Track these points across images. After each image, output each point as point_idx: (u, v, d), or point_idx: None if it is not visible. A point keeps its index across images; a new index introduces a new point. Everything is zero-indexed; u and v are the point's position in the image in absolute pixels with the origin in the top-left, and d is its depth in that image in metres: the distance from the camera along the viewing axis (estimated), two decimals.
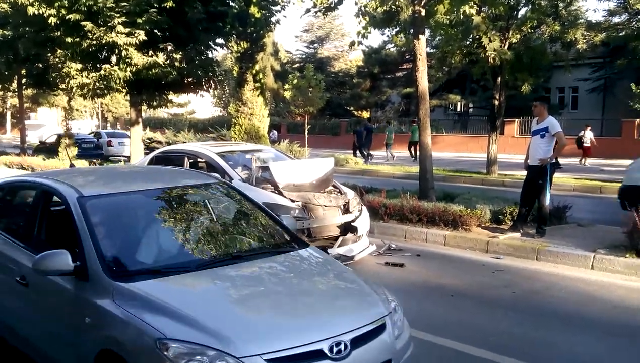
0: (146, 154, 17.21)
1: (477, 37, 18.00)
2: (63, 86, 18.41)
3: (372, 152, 28.50)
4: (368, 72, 46.92)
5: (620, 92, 31.92)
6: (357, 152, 28.31)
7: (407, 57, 42.93)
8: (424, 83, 11.18)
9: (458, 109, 43.72)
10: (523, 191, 8.95)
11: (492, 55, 16.01)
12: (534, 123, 8.88)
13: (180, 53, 16.35)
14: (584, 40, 21.57)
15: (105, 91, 17.05)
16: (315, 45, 56.24)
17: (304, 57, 55.32)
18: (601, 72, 34.12)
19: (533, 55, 18.88)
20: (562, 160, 16.10)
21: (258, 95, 14.92)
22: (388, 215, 10.00)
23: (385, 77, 46.45)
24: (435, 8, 10.99)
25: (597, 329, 5.55)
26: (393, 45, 38.97)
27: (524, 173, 9.26)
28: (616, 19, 25.69)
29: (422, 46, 11.17)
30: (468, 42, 18.98)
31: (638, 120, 26.99)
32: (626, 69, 30.08)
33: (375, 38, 43.88)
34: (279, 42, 54.62)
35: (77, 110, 50.46)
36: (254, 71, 14.87)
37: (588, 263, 7.53)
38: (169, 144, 24.83)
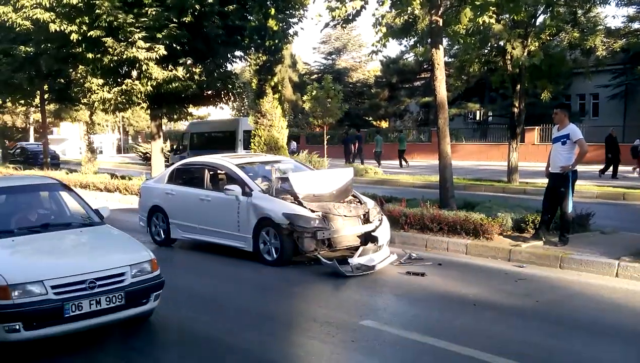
0: (167, 166, 17.38)
1: (496, 45, 17.97)
2: (85, 101, 18.72)
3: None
4: (386, 82, 46.91)
5: None
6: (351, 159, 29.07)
7: (425, 67, 42.86)
8: (442, 92, 11.17)
9: (477, 118, 43.52)
10: (545, 199, 8.88)
11: (522, 59, 15.92)
12: (555, 130, 8.82)
13: (200, 66, 16.56)
14: (604, 47, 21.41)
15: (127, 105, 17.32)
16: (333, 56, 56.40)
17: (322, 68, 55.48)
18: (621, 78, 33.79)
19: (552, 62, 18.76)
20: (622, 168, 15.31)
21: (277, 107, 14.98)
22: (408, 224, 9.97)
23: (403, 87, 46.40)
24: (457, 18, 10.97)
25: (622, 338, 5.47)
26: (411, 54, 39.03)
27: (546, 181, 9.20)
28: (636, 25, 25.41)
29: (439, 55, 11.16)
30: (486, 51, 18.96)
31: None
32: None
33: (393, 48, 44.14)
34: (297, 54, 54.89)
35: (99, 124, 51.09)
36: (273, 83, 14.94)
37: (613, 271, 7.43)
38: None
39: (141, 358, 5.28)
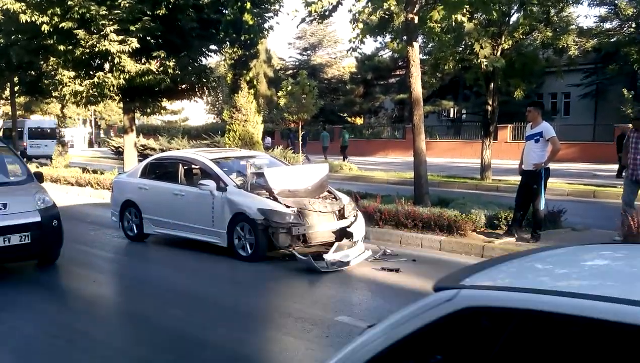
0: (140, 161, 17.19)
1: (470, 43, 18.10)
2: (56, 94, 18.41)
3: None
4: (361, 78, 47.01)
5: (612, 97, 32.12)
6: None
7: (400, 63, 43.05)
8: (417, 89, 11.21)
9: (451, 115, 43.87)
10: (518, 196, 8.97)
11: (485, 63, 16.07)
12: (528, 128, 8.91)
13: (174, 60, 16.36)
14: (576, 47, 21.72)
15: (99, 98, 17.05)
16: (309, 52, 56.31)
17: (297, 63, 55.35)
18: (593, 77, 34.35)
19: (525, 61, 18.97)
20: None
21: (252, 102, 14.92)
22: (383, 220, 10.00)
23: (378, 84, 46.54)
24: (429, 15, 11.03)
25: None
26: (388, 51, 39.15)
27: (518, 178, 9.29)
28: (607, 25, 25.85)
29: (415, 52, 11.20)
30: (461, 49, 19.08)
31: (630, 125, 27.07)
32: (617, 75, 30.31)
33: (369, 45, 44.42)
34: (272, 49, 54.73)
35: (70, 117, 50.29)
36: (248, 78, 14.87)
37: None
38: (162, 150, 24.81)
39: (110, 352, 5.20)
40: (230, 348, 5.24)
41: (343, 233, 8.65)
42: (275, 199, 8.53)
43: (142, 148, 26.56)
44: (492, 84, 18.56)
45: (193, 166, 9.91)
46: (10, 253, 7.45)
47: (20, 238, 7.38)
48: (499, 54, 17.47)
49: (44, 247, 7.84)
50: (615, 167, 20.39)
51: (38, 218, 7.58)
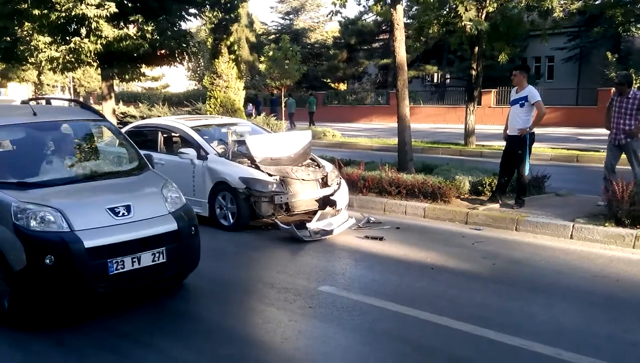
0: (119, 128, 16.87)
1: (454, 6, 17.81)
2: (32, 60, 17.90)
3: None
4: (344, 43, 46.45)
5: (596, 61, 32.07)
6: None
7: (383, 28, 42.58)
8: (401, 53, 11.02)
9: (435, 80, 43.63)
10: (502, 161, 8.90)
11: (469, 26, 15.83)
12: (513, 92, 8.80)
13: (152, 24, 15.93)
14: (561, 9, 21.50)
15: (76, 65, 16.64)
16: (291, 16, 55.55)
17: (279, 28, 54.62)
18: (577, 41, 34.19)
19: (510, 24, 18.73)
20: None
21: (233, 68, 14.63)
22: (367, 188, 9.90)
23: (362, 49, 46.04)
24: None
25: (577, 299, 5.53)
26: (371, 15, 38.67)
27: (502, 143, 9.22)
28: None
29: (399, 15, 10.96)
30: (445, 12, 18.79)
31: (614, 88, 27.08)
32: (601, 38, 30.19)
33: (352, 9, 43.57)
34: (254, 14, 54.00)
35: (47, 84, 49.31)
36: (229, 42, 14.55)
37: (567, 233, 7.52)
38: (143, 118, 24.42)
39: (96, 325, 5.08)
40: (214, 320, 5.16)
41: (326, 202, 8.56)
42: (257, 167, 8.39)
43: (122, 115, 26.07)
44: (477, 48, 18.36)
45: (173, 134, 9.69)
46: (138, 278, 5.22)
47: (153, 257, 5.22)
48: (483, 17, 17.23)
49: (181, 266, 5.61)
50: (598, 131, 20.38)
51: (174, 226, 5.42)
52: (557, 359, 4.24)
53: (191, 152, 8.76)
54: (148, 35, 15.79)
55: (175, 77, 56.12)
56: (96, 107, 27.98)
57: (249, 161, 8.53)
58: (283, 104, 25.86)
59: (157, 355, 4.49)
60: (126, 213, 5.22)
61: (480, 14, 17.11)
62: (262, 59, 26.24)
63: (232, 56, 14.66)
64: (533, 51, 35.50)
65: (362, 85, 46.80)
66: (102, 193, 5.59)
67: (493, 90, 30.62)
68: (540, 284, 5.91)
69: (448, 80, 42.25)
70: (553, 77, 36.91)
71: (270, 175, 8.31)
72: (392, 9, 11.02)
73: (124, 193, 5.61)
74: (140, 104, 32.92)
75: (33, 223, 4.85)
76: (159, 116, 22.81)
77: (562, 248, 7.14)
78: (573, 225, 7.53)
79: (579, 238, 7.40)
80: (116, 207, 5.21)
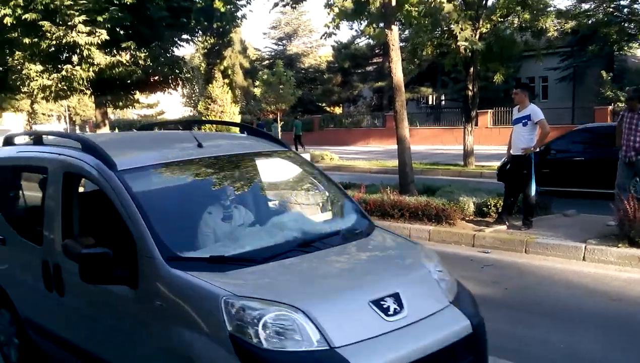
0: None
1: (447, 28, 17.73)
2: (24, 89, 17.68)
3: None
4: (338, 67, 46.52)
5: (590, 80, 32.10)
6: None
7: (377, 51, 42.71)
8: (398, 74, 10.84)
9: (430, 102, 43.65)
10: (507, 182, 8.64)
11: (463, 45, 15.73)
12: (515, 111, 8.57)
13: (145, 51, 15.75)
14: (555, 28, 21.49)
15: (68, 93, 16.43)
16: (284, 41, 55.70)
17: (273, 53, 54.76)
18: (570, 60, 34.25)
19: (503, 44, 18.70)
20: None
21: (227, 92, 14.43)
22: (369, 211, 9.59)
23: (356, 72, 46.11)
24: None
25: (595, 324, 5.23)
26: (364, 38, 38.75)
27: None
28: (585, 5, 25.66)
29: (394, 36, 10.81)
30: (438, 34, 18.72)
31: (610, 107, 27.07)
32: (595, 57, 30.23)
33: (345, 33, 43.76)
34: (247, 40, 54.10)
35: (43, 114, 49.14)
36: (222, 67, 14.43)
37: (580, 254, 7.23)
38: None
39: None
40: None
41: None
42: None
43: None
44: (472, 69, 18.25)
45: None
46: None
47: None
48: (477, 38, 17.14)
49: None
50: None
51: (467, 326, 3.34)
52: None
53: None
54: (141, 62, 15.60)
55: (170, 104, 56.00)
56: (92, 135, 27.68)
57: None
58: (279, 128, 25.69)
59: None
60: (398, 309, 3.14)
61: (474, 34, 17.02)
62: (257, 83, 26.14)
63: (227, 80, 14.52)
64: (527, 72, 35.51)
65: (357, 108, 46.74)
66: (349, 273, 3.55)
67: (489, 110, 30.54)
68: (555, 310, 5.61)
69: (443, 102, 42.26)
70: (547, 97, 36.91)
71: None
72: (386, 30, 10.87)
73: (378, 272, 3.53)
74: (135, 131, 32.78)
75: (263, 335, 2.83)
76: None
77: (575, 270, 6.85)
78: (585, 247, 7.24)
79: (592, 260, 7.11)
80: (382, 300, 3.13)
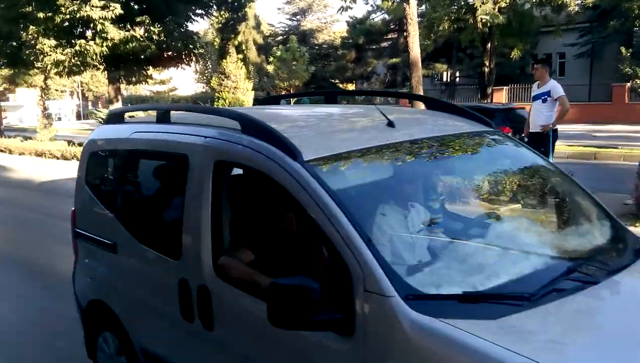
0: None
1: (465, 2, 17.52)
2: (38, 64, 17.73)
3: None
4: (353, 43, 46.13)
5: (608, 57, 31.57)
6: None
7: (392, 27, 42.25)
8: (415, 49, 10.70)
9: (444, 79, 43.24)
10: None
11: (484, 19, 15.53)
12: (535, 87, 8.42)
13: (159, 26, 15.70)
14: (575, 3, 21.12)
15: (82, 68, 16.46)
16: (298, 17, 55.21)
17: (286, 29, 54.33)
18: (588, 36, 33.67)
19: (522, 19, 18.44)
20: None
21: (241, 68, 14.33)
22: None
23: (370, 48, 45.70)
24: None
25: None
26: (379, 14, 38.33)
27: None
28: None
29: (412, 10, 10.66)
30: (455, 8, 18.50)
31: (628, 84, 26.66)
32: (614, 33, 29.71)
33: (360, 8, 43.17)
34: (261, 15, 53.66)
35: (56, 89, 49.27)
36: (236, 42, 14.31)
37: None
38: None
39: None
40: None
41: None
42: None
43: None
44: (489, 44, 18.04)
45: None
46: None
47: None
48: (494, 10, 16.90)
49: None
50: (614, 127, 20.01)
51: None
52: None
53: None
54: (155, 37, 15.57)
55: (183, 80, 55.97)
56: (104, 110, 27.69)
57: None
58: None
59: None
60: None
61: (492, 8, 16.78)
62: (270, 60, 25.99)
63: (240, 56, 14.40)
64: (544, 48, 34.97)
65: (370, 85, 46.45)
66: None
67: (505, 87, 30.18)
68: None
69: (458, 79, 41.84)
70: (564, 74, 36.37)
71: None
72: (405, 3, 10.69)
73: None
74: None
75: None
76: None
77: None
78: None
79: None
80: None
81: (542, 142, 8.11)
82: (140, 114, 5.69)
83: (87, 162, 4.02)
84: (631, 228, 6.65)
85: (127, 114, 3.97)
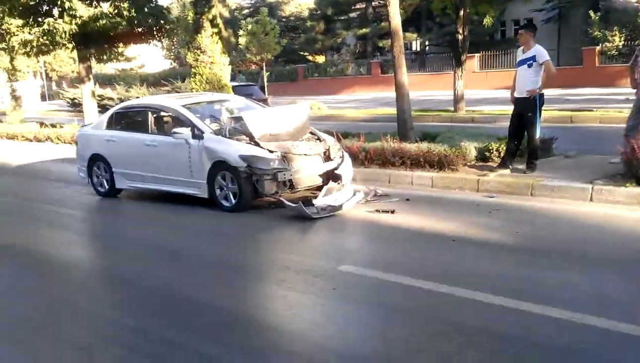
0: (100, 113, 16.31)
1: None
2: (4, 45, 17.14)
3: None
4: (321, 14, 45.65)
5: (575, 21, 31.85)
6: None
7: None
8: (396, 18, 10.59)
9: (414, 48, 43.16)
10: (511, 125, 8.59)
11: None
12: (520, 52, 8.46)
13: (128, 1, 15.27)
14: None
15: (50, 47, 15.96)
16: None
17: (252, 2, 53.55)
18: (555, 1, 33.88)
19: None
20: None
21: (217, 42, 14.04)
22: (369, 160, 9.55)
23: (339, 19, 45.29)
24: None
25: (612, 263, 5.24)
26: None
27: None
28: None
29: None
30: None
31: (598, 47, 26.95)
32: None
33: None
34: None
35: (19, 70, 47.91)
36: (211, 16, 13.96)
37: (587, 195, 7.24)
38: (121, 100, 23.71)
39: (98, 322, 4.67)
40: (231, 309, 4.77)
41: (330, 176, 8.19)
42: (257, 144, 7.98)
43: (99, 98, 25.32)
44: (462, 12, 17.94)
45: (163, 114, 9.21)
46: None
47: None
48: None
49: None
50: (585, 90, 20.21)
51: None
52: (615, 332, 3.93)
53: (185, 132, 8.31)
54: (125, 13, 15.15)
55: (150, 57, 54.84)
56: (72, 91, 26.91)
57: (248, 138, 8.11)
58: (265, 78, 25.32)
59: (182, 351, 4.09)
60: None
61: None
62: (241, 33, 25.56)
63: (215, 30, 14.08)
64: (511, 14, 35.12)
65: (341, 57, 46.15)
66: None
67: (476, 54, 30.28)
68: (571, 251, 5.61)
69: (427, 48, 41.80)
70: None
71: (271, 151, 7.91)
72: None
73: None
74: (117, 86, 32.10)
75: None
76: (138, 97, 22.16)
77: (585, 211, 6.86)
78: (592, 187, 7.25)
79: (600, 201, 7.12)
80: None
81: (529, 107, 8.17)
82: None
83: None
84: (622, 188, 6.82)
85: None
